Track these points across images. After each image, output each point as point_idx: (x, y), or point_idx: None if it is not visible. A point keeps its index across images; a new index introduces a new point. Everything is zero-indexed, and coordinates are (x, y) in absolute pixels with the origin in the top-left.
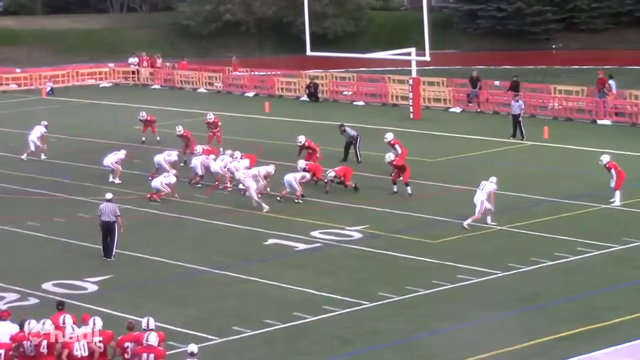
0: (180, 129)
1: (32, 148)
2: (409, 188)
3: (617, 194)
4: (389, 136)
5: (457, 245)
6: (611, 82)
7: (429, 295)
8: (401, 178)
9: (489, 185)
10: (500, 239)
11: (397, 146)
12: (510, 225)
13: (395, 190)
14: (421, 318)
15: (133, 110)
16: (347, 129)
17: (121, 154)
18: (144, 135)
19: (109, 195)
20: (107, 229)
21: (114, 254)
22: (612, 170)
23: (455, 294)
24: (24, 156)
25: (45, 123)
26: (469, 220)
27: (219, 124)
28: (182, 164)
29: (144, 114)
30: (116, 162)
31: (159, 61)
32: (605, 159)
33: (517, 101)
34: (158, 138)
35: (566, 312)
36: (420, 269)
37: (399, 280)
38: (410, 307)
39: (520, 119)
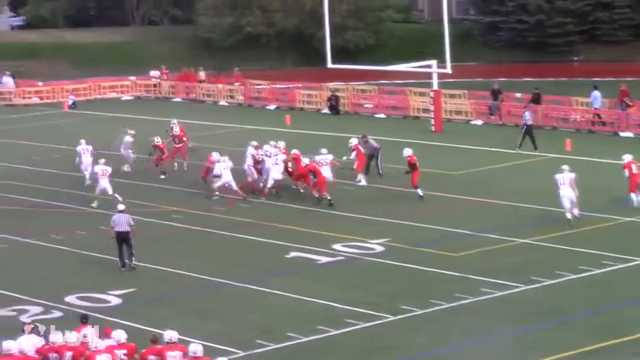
0: (175, 125)
1: (133, 156)
2: (419, 190)
3: (632, 196)
4: (408, 152)
5: (480, 258)
6: (596, 92)
7: (451, 309)
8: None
9: (567, 175)
10: (524, 252)
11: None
12: (533, 238)
13: (420, 194)
14: (444, 332)
15: (155, 123)
16: (369, 140)
17: (129, 137)
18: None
19: (121, 207)
20: (122, 239)
21: (133, 263)
22: (626, 171)
23: (478, 307)
24: (125, 167)
25: (133, 132)
26: (576, 212)
27: (184, 138)
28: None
29: (175, 121)
30: (125, 149)
31: (202, 74)
32: (627, 158)
33: (529, 111)
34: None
35: (590, 325)
36: (443, 282)
37: (421, 294)
38: (433, 321)
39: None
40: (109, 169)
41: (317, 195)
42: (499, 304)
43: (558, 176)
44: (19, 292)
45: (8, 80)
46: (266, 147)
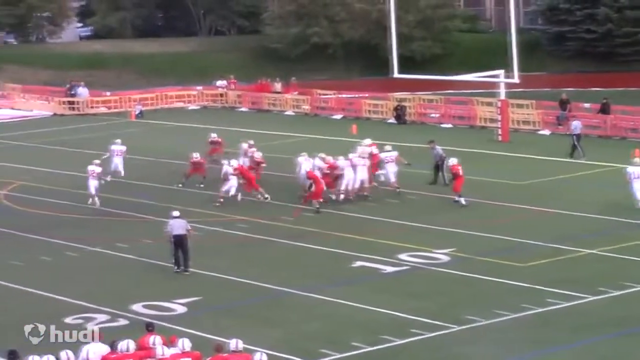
0: (214, 135)
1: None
2: (462, 199)
3: None
4: (452, 161)
5: (546, 269)
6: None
7: (517, 319)
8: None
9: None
10: (591, 262)
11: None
12: (600, 249)
13: (458, 201)
14: (509, 342)
15: (220, 132)
16: (436, 147)
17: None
18: (214, 156)
19: (176, 213)
20: (179, 242)
21: (188, 268)
22: None
23: (545, 318)
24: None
25: (252, 142)
26: None
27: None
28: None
29: (215, 135)
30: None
31: (277, 85)
32: None
33: (577, 120)
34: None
35: None
36: (509, 293)
37: (486, 304)
38: (498, 331)
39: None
40: (98, 170)
41: (317, 206)
42: (566, 315)
43: (630, 169)
44: (86, 300)
45: (83, 91)
46: (351, 155)
